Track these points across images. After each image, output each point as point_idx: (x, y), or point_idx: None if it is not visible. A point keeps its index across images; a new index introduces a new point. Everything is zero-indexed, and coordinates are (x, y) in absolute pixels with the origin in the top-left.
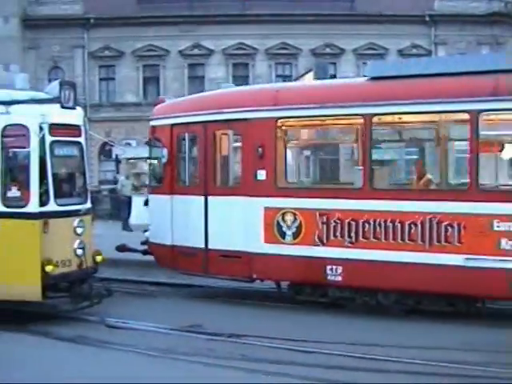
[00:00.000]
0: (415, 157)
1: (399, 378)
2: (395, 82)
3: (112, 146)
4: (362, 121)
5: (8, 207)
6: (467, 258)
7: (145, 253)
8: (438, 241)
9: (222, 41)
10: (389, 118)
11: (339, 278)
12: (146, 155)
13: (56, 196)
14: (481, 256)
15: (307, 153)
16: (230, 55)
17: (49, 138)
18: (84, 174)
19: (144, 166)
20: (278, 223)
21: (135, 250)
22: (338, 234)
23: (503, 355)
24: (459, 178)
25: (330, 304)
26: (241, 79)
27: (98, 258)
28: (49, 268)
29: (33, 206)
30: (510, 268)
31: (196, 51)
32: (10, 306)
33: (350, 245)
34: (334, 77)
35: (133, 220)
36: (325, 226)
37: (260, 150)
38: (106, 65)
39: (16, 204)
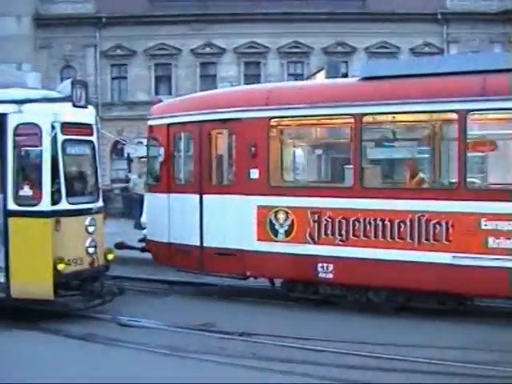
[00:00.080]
0: (405, 156)
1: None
2: (385, 82)
3: (124, 144)
4: (352, 120)
5: (20, 206)
6: (455, 257)
7: (143, 250)
8: (427, 239)
9: (234, 39)
10: (379, 118)
11: (330, 276)
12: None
13: (68, 194)
14: (468, 254)
15: (299, 152)
16: (241, 54)
17: (61, 137)
18: (96, 173)
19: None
20: (271, 221)
21: (133, 248)
22: (328, 232)
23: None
24: (448, 177)
25: (322, 301)
26: (252, 78)
27: (110, 257)
28: (60, 266)
29: (45, 205)
30: (496, 266)
31: (208, 50)
32: (22, 304)
33: (340, 243)
34: (345, 75)
35: (145, 218)
36: (316, 225)
37: (253, 149)
38: (117, 64)
39: (28, 202)
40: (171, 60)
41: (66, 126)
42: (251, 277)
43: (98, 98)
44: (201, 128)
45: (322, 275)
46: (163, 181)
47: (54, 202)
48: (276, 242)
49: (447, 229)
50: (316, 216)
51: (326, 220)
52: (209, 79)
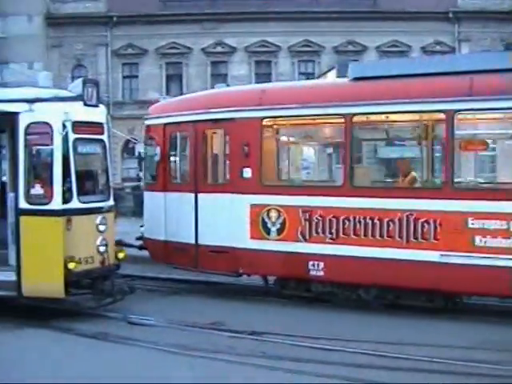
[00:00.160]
0: (394, 156)
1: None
2: (375, 83)
3: (135, 143)
4: (342, 120)
5: (31, 204)
6: (443, 255)
7: (140, 248)
8: (415, 237)
9: (245, 38)
10: (369, 118)
11: (321, 273)
12: None
13: (79, 193)
14: (456, 253)
15: (291, 151)
16: (252, 53)
17: (72, 136)
18: (107, 172)
19: None
20: (263, 220)
21: (131, 246)
22: (319, 230)
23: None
24: (436, 176)
25: (314, 299)
26: (263, 77)
27: (121, 255)
28: (71, 265)
29: (56, 204)
30: (483, 265)
31: (219, 49)
32: (33, 302)
33: (331, 241)
34: None
35: None
36: (307, 223)
37: (246, 148)
38: (129, 62)
39: (39, 201)
40: (182, 59)
41: (77, 125)
42: (244, 274)
43: (109, 96)
44: (196, 128)
45: (313, 273)
46: (160, 179)
47: (65, 200)
48: (268, 240)
49: (435, 227)
50: (307, 214)
51: (316, 218)
52: (220, 78)
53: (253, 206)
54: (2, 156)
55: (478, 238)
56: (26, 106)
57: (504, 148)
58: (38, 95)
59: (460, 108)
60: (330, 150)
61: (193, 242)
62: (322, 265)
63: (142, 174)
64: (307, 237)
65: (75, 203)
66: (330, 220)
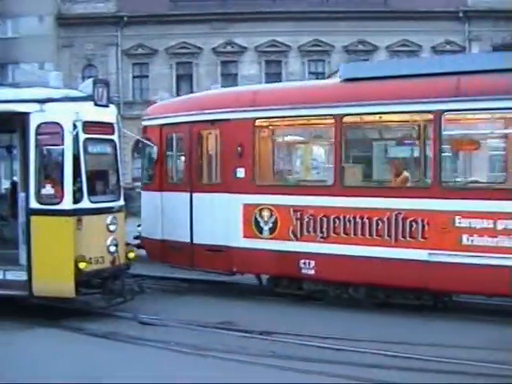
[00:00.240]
0: (384, 156)
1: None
2: (365, 84)
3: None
4: (332, 121)
5: (42, 204)
6: (431, 253)
7: (138, 247)
8: (403, 236)
9: (255, 38)
10: (358, 119)
11: (312, 272)
12: None
13: (89, 193)
14: (443, 251)
15: (283, 151)
16: (262, 52)
17: (82, 136)
18: (117, 172)
19: None
20: (256, 219)
21: (128, 245)
22: (310, 229)
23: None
24: (424, 176)
25: (306, 297)
26: (274, 76)
27: (131, 255)
28: (82, 265)
29: (66, 204)
30: (470, 263)
31: (229, 48)
32: (44, 301)
33: (321, 240)
34: None
35: None
36: (299, 222)
37: (239, 148)
38: (139, 62)
39: (50, 201)
40: (192, 59)
41: (88, 125)
42: (238, 273)
43: (120, 96)
44: (191, 128)
45: (304, 271)
46: (156, 179)
47: (76, 200)
48: (261, 238)
49: (423, 226)
50: (298, 214)
51: (307, 218)
52: (230, 78)
53: (246, 205)
54: (13, 156)
55: (465, 237)
56: (36, 106)
57: (491, 148)
58: (48, 95)
59: (447, 108)
60: (321, 150)
61: (188, 241)
62: (312, 263)
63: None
64: (298, 236)
65: (86, 203)
66: (320, 219)
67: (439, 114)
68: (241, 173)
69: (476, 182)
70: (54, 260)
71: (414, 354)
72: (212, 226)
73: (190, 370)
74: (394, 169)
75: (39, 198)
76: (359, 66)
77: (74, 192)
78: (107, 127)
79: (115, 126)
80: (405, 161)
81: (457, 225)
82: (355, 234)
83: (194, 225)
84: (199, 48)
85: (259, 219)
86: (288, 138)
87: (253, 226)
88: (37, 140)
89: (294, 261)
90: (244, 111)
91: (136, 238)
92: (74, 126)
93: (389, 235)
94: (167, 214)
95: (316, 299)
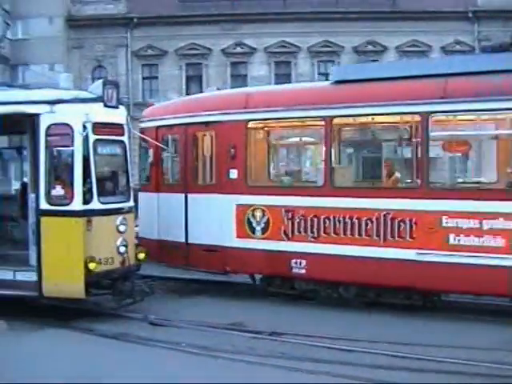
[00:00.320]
0: (373, 156)
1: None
2: (355, 86)
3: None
4: (323, 123)
5: (52, 205)
6: (418, 253)
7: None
8: (392, 236)
9: (264, 39)
10: (347, 120)
11: (303, 271)
12: None
13: (99, 194)
14: (431, 251)
15: (275, 153)
16: (272, 53)
17: (92, 137)
18: (127, 173)
19: None
20: (249, 219)
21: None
22: (301, 229)
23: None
24: (411, 176)
25: (298, 296)
26: (283, 77)
27: (141, 256)
28: (92, 265)
29: (76, 204)
30: (457, 263)
31: (238, 49)
32: (54, 302)
33: (312, 240)
34: None
35: None
36: (290, 222)
37: (232, 150)
38: (149, 64)
39: (60, 202)
40: (202, 60)
41: (98, 126)
42: (231, 272)
43: (130, 98)
44: (186, 130)
45: (295, 270)
46: (153, 181)
47: (86, 201)
48: (253, 238)
49: (411, 226)
50: (290, 214)
51: (298, 218)
52: (239, 79)
53: (239, 206)
54: (24, 157)
55: (451, 237)
56: (46, 107)
57: (478, 149)
58: (58, 97)
59: (434, 110)
60: (311, 152)
61: (183, 241)
62: (303, 263)
63: None
64: (290, 236)
65: (95, 204)
66: (311, 219)
67: (426, 115)
68: (234, 174)
69: (463, 182)
70: (63, 261)
71: (426, 356)
72: (206, 227)
73: (200, 370)
74: (385, 169)
75: (49, 199)
76: (350, 68)
77: (84, 193)
78: (117, 128)
79: (125, 127)
80: (394, 162)
81: (444, 225)
82: (345, 234)
83: (189, 225)
84: (209, 49)
85: (252, 219)
86: (280, 140)
87: (246, 226)
88: (47, 141)
89: (285, 260)
90: (237, 113)
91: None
92: (84, 127)
93: (378, 235)
94: (163, 215)
95: (308, 299)
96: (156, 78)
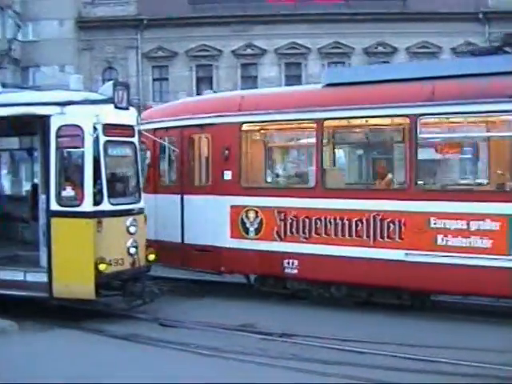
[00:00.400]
0: (363, 158)
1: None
2: (345, 89)
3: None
4: (314, 125)
5: (63, 206)
6: (407, 254)
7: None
8: (382, 237)
9: (275, 40)
10: (338, 123)
11: (295, 271)
12: None
13: (109, 195)
14: (419, 251)
15: (268, 155)
16: (282, 55)
17: (103, 138)
18: (137, 174)
19: None
20: (242, 220)
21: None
22: (293, 230)
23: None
24: (400, 177)
25: (291, 295)
26: (293, 79)
27: (151, 257)
28: (102, 266)
29: (87, 206)
30: (445, 263)
31: (249, 51)
32: (64, 303)
33: (304, 240)
34: None
35: None
36: (282, 223)
37: (226, 152)
38: (159, 65)
39: (70, 203)
40: (212, 61)
41: (108, 128)
42: (225, 272)
43: (140, 99)
44: (182, 132)
45: (287, 270)
46: (150, 182)
47: (96, 202)
48: (247, 239)
49: (400, 227)
50: (282, 215)
51: (291, 219)
52: (250, 80)
53: (233, 207)
54: (34, 158)
55: (439, 237)
56: (57, 108)
57: (466, 151)
58: (69, 98)
59: (423, 112)
60: (303, 154)
61: (179, 241)
62: (296, 263)
63: None
64: (282, 236)
65: (106, 205)
66: (303, 220)
67: (415, 117)
68: (228, 175)
69: (450, 184)
70: (74, 262)
71: (439, 358)
72: (202, 227)
73: (211, 371)
74: (378, 171)
75: (60, 200)
76: (341, 71)
77: (95, 194)
78: (127, 129)
79: (135, 128)
80: (386, 163)
81: (432, 225)
82: (336, 235)
83: (185, 226)
84: (219, 50)
85: (245, 220)
86: (273, 142)
87: (239, 227)
88: (57, 142)
89: (277, 260)
90: (231, 116)
91: None
92: (95, 129)
93: (368, 236)
94: (160, 215)
95: (300, 298)
96: (166, 79)
